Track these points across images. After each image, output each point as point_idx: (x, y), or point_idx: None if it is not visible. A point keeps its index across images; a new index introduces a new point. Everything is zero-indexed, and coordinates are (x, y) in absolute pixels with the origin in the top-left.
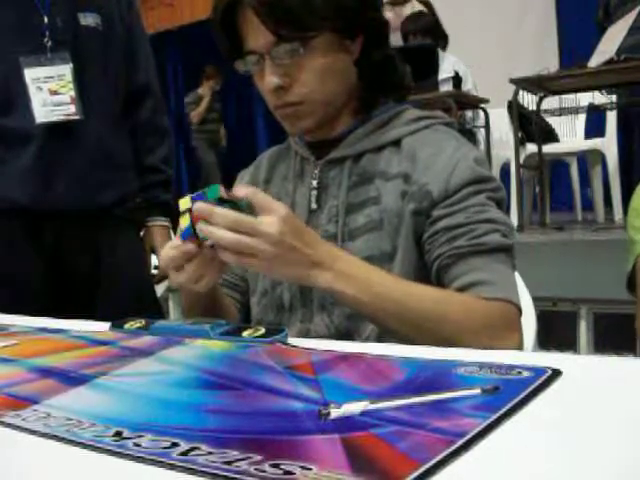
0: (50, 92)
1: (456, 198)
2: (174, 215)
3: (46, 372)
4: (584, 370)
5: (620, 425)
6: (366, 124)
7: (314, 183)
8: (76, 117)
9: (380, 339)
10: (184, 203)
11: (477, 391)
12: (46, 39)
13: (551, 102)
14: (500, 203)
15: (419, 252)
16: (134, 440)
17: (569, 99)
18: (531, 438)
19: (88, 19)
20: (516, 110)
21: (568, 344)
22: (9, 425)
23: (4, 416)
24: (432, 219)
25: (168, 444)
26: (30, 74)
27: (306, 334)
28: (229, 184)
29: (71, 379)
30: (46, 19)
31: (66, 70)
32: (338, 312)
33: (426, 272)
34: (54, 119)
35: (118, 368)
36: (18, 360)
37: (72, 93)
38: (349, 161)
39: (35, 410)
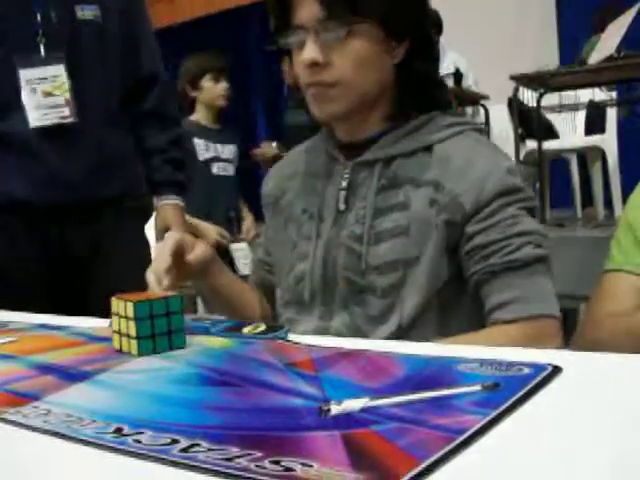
0: (44, 94)
1: (488, 211)
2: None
3: (46, 369)
4: (584, 367)
5: (620, 421)
6: (398, 129)
7: (343, 184)
8: (71, 120)
9: (400, 339)
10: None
11: (477, 388)
12: (39, 37)
13: (551, 99)
14: (532, 212)
15: (447, 261)
16: (134, 437)
17: (569, 96)
18: (531, 435)
19: (86, 12)
20: (516, 107)
21: (568, 340)
22: (10, 422)
23: (4, 413)
24: (467, 235)
25: (168, 441)
26: (24, 75)
27: (324, 332)
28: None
29: (71, 376)
30: (39, 16)
31: (60, 71)
32: (359, 312)
33: (454, 282)
34: (48, 123)
35: (118, 365)
36: (18, 357)
37: (67, 95)
38: (379, 164)
39: (35, 407)
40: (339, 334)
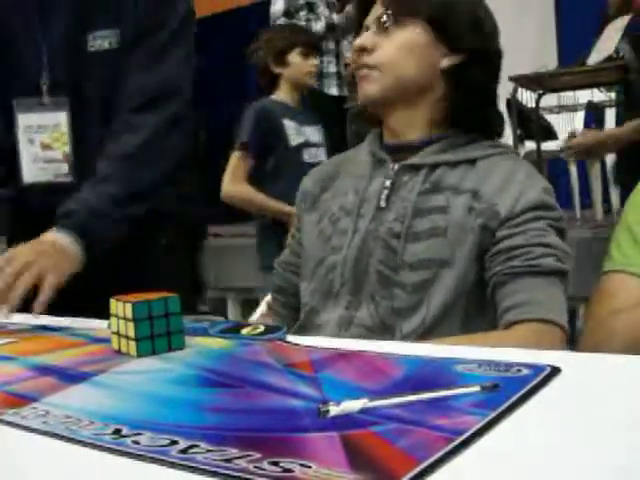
0: (42, 146)
1: (519, 220)
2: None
3: (45, 370)
4: (583, 368)
5: (619, 422)
6: (443, 141)
7: (387, 183)
8: (67, 180)
9: (422, 337)
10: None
11: (476, 389)
12: (43, 79)
13: (550, 99)
14: (562, 233)
15: (478, 266)
16: (133, 438)
17: (568, 96)
18: (530, 435)
19: (98, 41)
20: (515, 107)
21: (567, 341)
22: (8, 423)
23: (3, 414)
24: (495, 239)
25: (167, 442)
26: (23, 121)
27: (349, 322)
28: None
29: (70, 377)
30: (45, 51)
31: (62, 118)
32: (386, 304)
33: (480, 287)
34: (43, 179)
35: (117, 366)
36: (17, 358)
37: (66, 149)
38: (425, 169)
39: (34, 408)
40: (362, 324)
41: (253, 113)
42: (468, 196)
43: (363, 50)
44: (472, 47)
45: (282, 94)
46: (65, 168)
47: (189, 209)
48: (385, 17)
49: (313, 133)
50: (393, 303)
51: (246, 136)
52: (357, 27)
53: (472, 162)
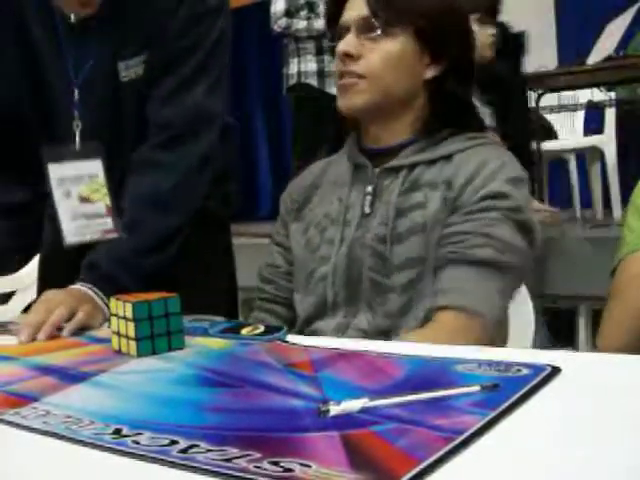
0: (80, 199)
1: (473, 208)
2: None
3: (46, 370)
4: (583, 367)
5: (619, 422)
6: (421, 141)
7: (369, 188)
8: (115, 235)
9: None
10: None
11: (476, 388)
12: (76, 120)
13: (550, 99)
14: (521, 224)
15: None
16: (133, 438)
17: (568, 96)
18: (530, 435)
19: (130, 70)
20: None
21: (567, 341)
22: (9, 423)
23: (4, 414)
24: (447, 223)
25: (167, 442)
26: (55, 172)
27: (346, 327)
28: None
29: (70, 377)
30: (77, 93)
31: (97, 168)
32: (382, 311)
33: None
34: (87, 238)
35: (117, 366)
36: (18, 358)
37: (107, 201)
38: (404, 170)
39: (34, 408)
40: (359, 328)
41: None
42: (443, 188)
43: (348, 56)
44: (455, 57)
45: None
46: (110, 223)
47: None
48: (374, 22)
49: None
50: (387, 307)
51: None
52: (332, 24)
53: (449, 157)
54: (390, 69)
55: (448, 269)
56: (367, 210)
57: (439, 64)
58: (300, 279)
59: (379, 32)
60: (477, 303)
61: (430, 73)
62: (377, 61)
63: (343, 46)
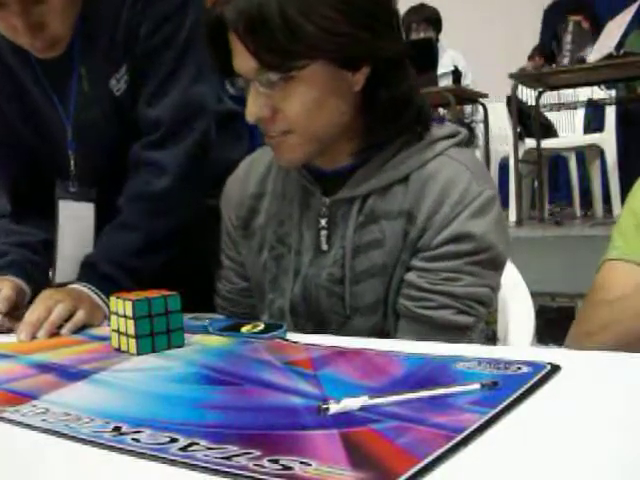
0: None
1: (436, 254)
2: None
3: (45, 368)
4: (583, 365)
5: (618, 420)
6: (372, 161)
7: (323, 222)
8: None
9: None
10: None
11: (476, 386)
12: (72, 170)
13: (550, 97)
14: (487, 263)
15: None
16: (133, 435)
17: (568, 94)
18: (530, 433)
19: (120, 82)
20: (515, 105)
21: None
22: (8, 421)
23: (3, 412)
24: (410, 265)
25: (167, 439)
26: (63, 209)
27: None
28: None
29: (70, 374)
30: (69, 126)
31: (90, 211)
32: (351, 333)
33: None
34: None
35: (117, 363)
36: (17, 356)
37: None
38: (358, 201)
39: (34, 405)
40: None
41: None
42: (402, 220)
43: (261, 119)
44: (376, 57)
45: None
46: None
47: None
48: (269, 75)
49: None
50: (357, 332)
51: None
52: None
53: (405, 179)
54: (315, 111)
55: (405, 322)
56: (324, 247)
57: (361, 71)
58: (260, 301)
59: (282, 82)
60: None
61: (358, 85)
62: (297, 111)
63: (251, 113)
